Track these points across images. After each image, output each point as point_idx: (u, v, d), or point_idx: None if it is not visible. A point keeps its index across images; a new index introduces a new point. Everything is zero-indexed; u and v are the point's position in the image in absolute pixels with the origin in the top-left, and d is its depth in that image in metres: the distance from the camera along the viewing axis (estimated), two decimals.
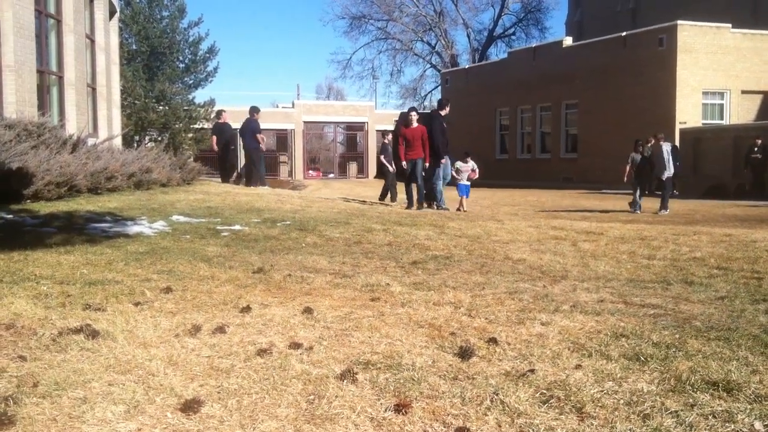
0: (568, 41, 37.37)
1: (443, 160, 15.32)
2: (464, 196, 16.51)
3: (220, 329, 4.01)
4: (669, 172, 17.68)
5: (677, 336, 4.05)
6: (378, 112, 51.21)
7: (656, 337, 4.00)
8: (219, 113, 20.74)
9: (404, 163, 14.69)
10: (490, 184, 30.73)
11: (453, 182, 16.69)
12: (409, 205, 14.74)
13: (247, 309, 4.54)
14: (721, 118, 30.92)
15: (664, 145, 17.95)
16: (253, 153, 18.84)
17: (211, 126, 33.51)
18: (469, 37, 62.51)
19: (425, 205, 15.08)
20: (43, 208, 9.65)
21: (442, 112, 15.54)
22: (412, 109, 16.01)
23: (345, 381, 3.20)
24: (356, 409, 2.89)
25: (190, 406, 2.81)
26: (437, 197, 15.37)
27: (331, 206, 13.10)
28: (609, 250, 8.05)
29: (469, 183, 16.81)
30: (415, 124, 14.57)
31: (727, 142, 26.63)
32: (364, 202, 17.18)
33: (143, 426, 2.70)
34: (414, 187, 14.83)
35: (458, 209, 15.65)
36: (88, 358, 3.45)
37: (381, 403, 2.96)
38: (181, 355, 3.55)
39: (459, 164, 16.93)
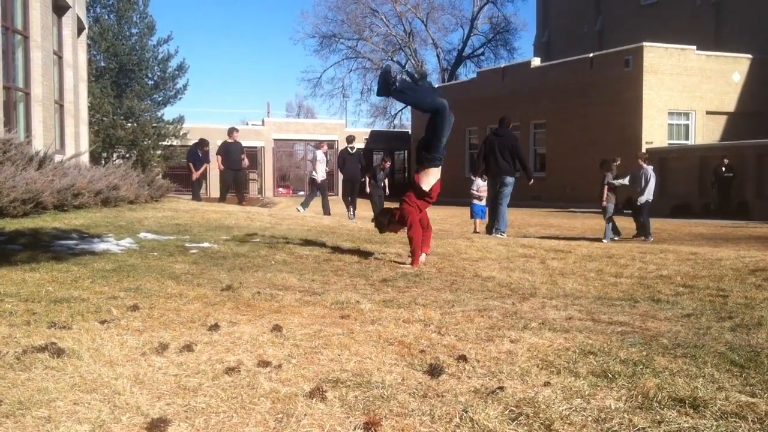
0: (536, 62, 37.84)
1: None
2: (482, 219, 15.92)
3: (188, 347, 3.96)
4: (645, 197, 16.33)
5: (644, 353, 4.07)
6: (348, 130, 51.29)
7: (624, 355, 4.03)
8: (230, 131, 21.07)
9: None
10: (460, 202, 30.85)
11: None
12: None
13: (215, 327, 4.50)
14: (687, 139, 31.42)
15: (647, 168, 16.57)
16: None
17: (180, 143, 33.44)
18: (438, 57, 63.06)
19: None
20: (8, 225, 9.52)
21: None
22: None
23: (314, 399, 3.17)
24: (325, 428, 2.86)
25: (156, 425, 2.77)
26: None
27: (301, 224, 13.05)
28: (577, 268, 8.11)
29: (484, 204, 16.10)
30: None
31: (693, 162, 27.05)
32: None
33: None
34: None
35: (475, 232, 14.91)
36: (53, 377, 3.39)
37: (350, 421, 2.94)
38: (148, 374, 3.50)
39: (479, 182, 16.19)
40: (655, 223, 18.51)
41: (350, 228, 12.81)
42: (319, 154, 19.68)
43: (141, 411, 2.98)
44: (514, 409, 3.10)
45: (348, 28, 60.75)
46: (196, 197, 21.48)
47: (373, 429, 2.84)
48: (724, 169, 24.78)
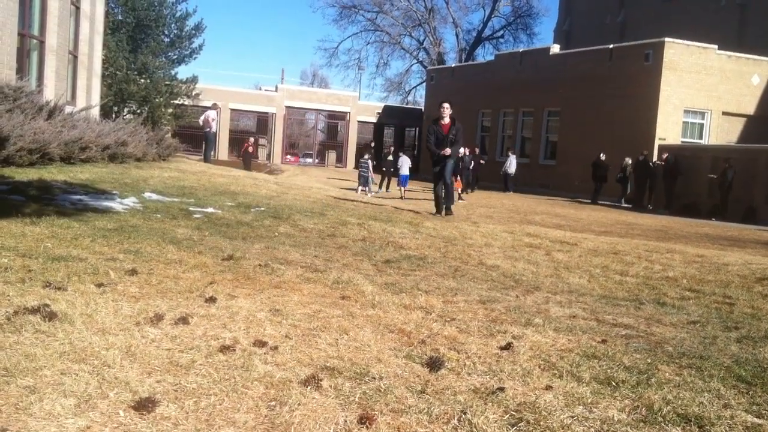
0: (556, 49, 37.44)
1: None
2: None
3: (183, 320, 3.86)
4: None
5: (649, 361, 3.97)
6: (361, 102, 50.99)
7: (628, 361, 3.92)
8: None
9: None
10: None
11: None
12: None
13: (212, 299, 4.40)
14: (701, 138, 31.12)
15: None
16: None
17: (192, 103, 33.40)
18: (457, 36, 62.55)
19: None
20: (13, 174, 9.43)
21: None
22: None
23: (309, 387, 3.07)
24: (318, 420, 2.76)
25: (144, 405, 2.67)
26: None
27: (307, 195, 12.96)
28: (582, 263, 8.01)
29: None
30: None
31: (705, 162, 26.78)
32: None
33: (93, 423, 2.55)
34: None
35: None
36: (42, 342, 3.29)
37: (345, 415, 2.83)
38: (140, 346, 3.40)
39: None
40: (662, 221, 18.40)
41: (356, 203, 12.70)
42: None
43: (130, 387, 2.88)
44: (514, 413, 3.00)
45: (368, 0, 60.20)
46: (207, 158, 21.68)
47: (367, 424, 2.74)
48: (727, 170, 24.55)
